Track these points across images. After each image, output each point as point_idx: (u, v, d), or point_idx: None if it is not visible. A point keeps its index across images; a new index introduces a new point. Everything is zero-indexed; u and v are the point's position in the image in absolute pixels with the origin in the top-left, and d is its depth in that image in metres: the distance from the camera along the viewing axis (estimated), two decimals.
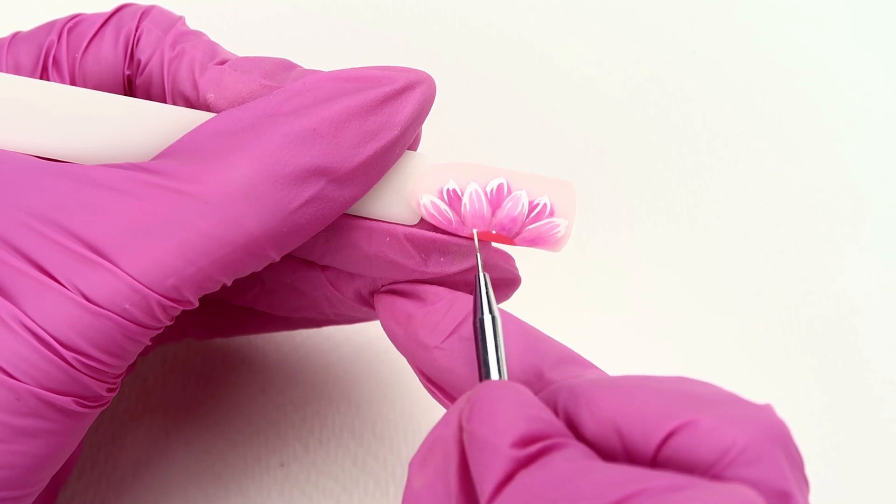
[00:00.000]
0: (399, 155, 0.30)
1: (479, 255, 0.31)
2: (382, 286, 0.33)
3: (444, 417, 0.27)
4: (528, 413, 0.24)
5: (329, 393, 0.43)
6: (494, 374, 0.28)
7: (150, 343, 0.29)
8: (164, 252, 0.27)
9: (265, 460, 0.41)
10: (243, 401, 0.42)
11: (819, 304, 0.47)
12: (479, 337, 0.28)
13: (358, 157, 0.28)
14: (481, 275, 0.29)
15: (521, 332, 0.30)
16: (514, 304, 0.37)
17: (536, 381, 0.29)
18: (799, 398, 0.45)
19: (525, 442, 0.24)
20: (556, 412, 0.26)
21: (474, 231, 0.31)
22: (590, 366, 0.30)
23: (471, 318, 0.30)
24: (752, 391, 0.45)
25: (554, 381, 0.29)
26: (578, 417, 0.25)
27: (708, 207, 0.49)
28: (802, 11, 0.54)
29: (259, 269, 0.29)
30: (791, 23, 0.53)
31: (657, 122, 0.51)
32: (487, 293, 0.29)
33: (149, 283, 0.27)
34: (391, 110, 0.29)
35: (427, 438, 0.27)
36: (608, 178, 0.49)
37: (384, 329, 0.33)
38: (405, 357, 0.32)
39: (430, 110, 0.30)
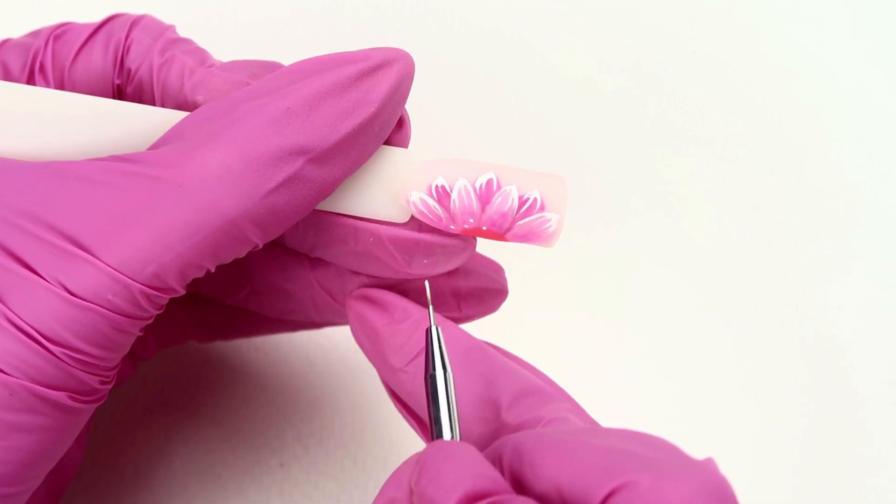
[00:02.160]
0: (381, 135, 0.30)
1: (430, 307, 0.30)
2: (359, 287, 0.33)
3: (395, 478, 0.27)
4: (474, 471, 0.25)
5: (329, 393, 0.43)
6: (446, 433, 0.28)
7: (141, 333, 0.29)
8: (141, 240, 0.27)
9: (265, 461, 0.41)
10: (243, 401, 0.43)
11: (818, 305, 0.47)
12: (430, 393, 0.28)
13: (335, 136, 0.28)
14: (433, 328, 0.29)
15: (485, 362, 0.30)
16: (514, 305, 0.37)
17: (493, 419, 0.29)
18: (797, 398, 0.45)
19: (471, 499, 0.24)
20: (501, 469, 0.26)
21: (426, 283, 0.31)
22: (553, 398, 0.30)
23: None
24: (750, 392, 0.45)
25: (509, 421, 0.29)
26: (523, 475, 0.25)
27: (707, 207, 0.49)
28: (802, 11, 0.54)
29: (242, 253, 0.29)
30: (791, 23, 0.53)
31: (656, 122, 0.51)
32: (440, 346, 0.29)
33: (129, 272, 0.27)
34: (367, 87, 0.29)
35: (378, 498, 0.27)
36: (607, 177, 0.49)
37: (354, 337, 0.33)
38: (374, 368, 0.32)
39: (409, 88, 0.30)
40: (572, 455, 0.24)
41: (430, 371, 0.28)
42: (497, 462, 0.26)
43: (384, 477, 0.41)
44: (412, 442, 0.42)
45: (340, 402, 0.43)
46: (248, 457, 0.41)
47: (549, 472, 0.24)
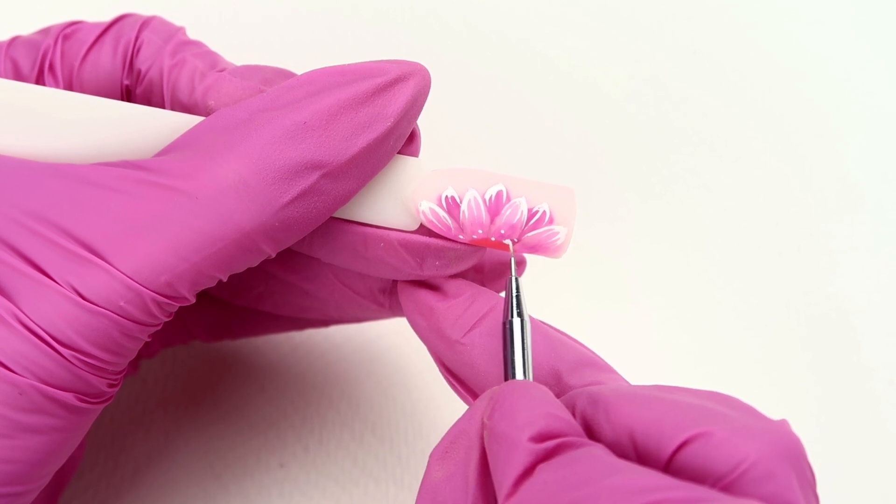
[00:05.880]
0: (394, 149, 0.30)
1: (512, 259, 0.31)
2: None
3: (469, 412, 0.27)
4: (547, 411, 0.25)
5: (329, 393, 0.43)
6: (520, 375, 0.28)
7: (149, 339, 0.29)
8: (156, 249, 0.27)
9: (265, 461, 0.41)
10: (243, 401, 0.43)
11: (819, 304, 0.47)
12: (508, 338, 0.29)
13: (350, 150, 0.28)
14: (513, 278, 0.30)
15: (540, 333, 0.30)
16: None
17: (555, 384, 0.30)
18: (798, 397, 0.46)
19: (543, 437, 0.24)
20: (574, 416, 0.26)
21: (509, 242, 0.31)
22: (608, 370, 0.30)
23: (492, 315, 0.30)
24: (752, 390, 0.45)
25: (572, 385, 0.29)
26: (596, 422, 0.26)
27: (708, 207, 0.49)
28: (802, 11, 0.54)
29: (254, 264, 0.29)
30: (791, 23, 0.53)
31: (657, 122, 0.51)
32: (518, 296, 0.29)
33: (142, 280, 0.27)
34: (383, 102, 0.29)
35: (450, 432, 0.27)
36: (608, 177, 0.49)
37: (407, 319, 0.33)
38: (427, 347, 0.32)
39: (424, 102, 0.30)
40: (648, 404, 0.25)
41: (509, 318, 0.29)
42: (570, 409, 0.27)
43: (384, 477, 0.41)
44: (413, 442, 0.42)
45: (340, 402, 0.43)
46: (248, 457, 0.41)
47: (623, 418, 0.25)
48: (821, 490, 0.26)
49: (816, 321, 0.47)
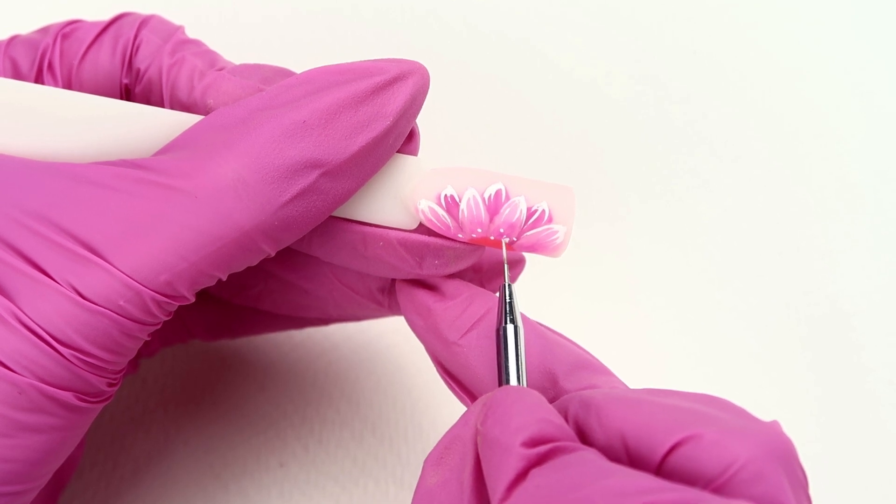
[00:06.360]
0: (394, 147, 0.30)
1: (506, 266, 0.31)
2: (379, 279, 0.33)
3: (463, 417, 0.27)
4: (539, 416, 0.25)
5: (329, 392, 0.43)
6: (513, 381, 0.28)
7: (148, 338, 0.29)
8: (155, 248, 0.27)
9: (265, 460, 0.41)
10: (242, 401, 0.43)
11: (819, 304, 0.47)
12: (501, 345, 0.29)
13: (350, 149, 0.28)
14: (506, 284, 0.30)
15: (537, 336, 0.30)
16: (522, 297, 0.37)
17: (551, 387, 0.30)
18: (797, 397, 0.46)
19: (535, 442, 0.24)
20: (566, 420, 0.27)
21: (503, 240, 0.31)
22: (604, 372, 0.30)
23: (489, 317, 0.30)
24: (751, 391, 0.45)
25: (567, 388, 0.29)
26: (588, 426, 0.26)
27: (708, 207, 0.49)
28: (802, 11, 0.54)
29: (254, 263, 0.29)
30: (791, 23, 0.53)
31: (657, 122, 0.51)
32: (511, 303, 0.29)
33: (142, 279, 0.27)
34: (382, 100, 0.29)
35: (444, 437, 0.28)
36: (608, 177, 0.49)
37: (405, 318, 0.33)
38: (425, 347, 0.32)
39: (423, 101, 0.30)
40: (639, 408, 0.25)
41: (503, 324, 0.29)
42: (563, 414, 0.27)
43: (384, 477, 0.41)
44: (412, 441, 0.42)
45: (340, 402, 0.43)
46: (248, 457, 0.41)
47: (615, 422, 0.25)
48: (820, 490, 0.26)
49: (816, 321, 0.47)
